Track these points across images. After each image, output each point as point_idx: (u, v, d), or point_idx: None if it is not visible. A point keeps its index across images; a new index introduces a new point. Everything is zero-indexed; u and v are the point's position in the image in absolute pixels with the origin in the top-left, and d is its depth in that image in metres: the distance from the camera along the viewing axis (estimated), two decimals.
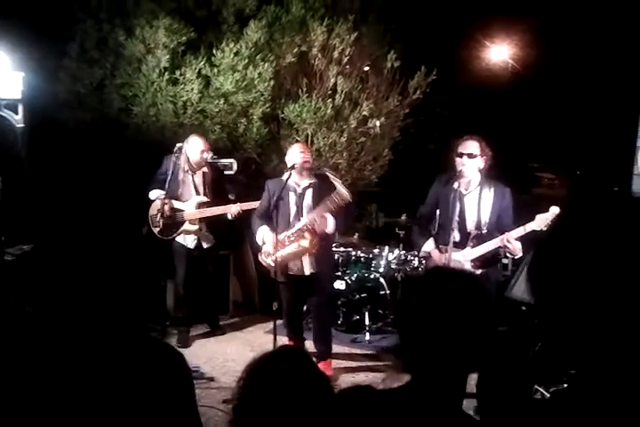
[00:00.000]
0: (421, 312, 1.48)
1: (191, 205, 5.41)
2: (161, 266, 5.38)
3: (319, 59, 6.80)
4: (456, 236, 4.33)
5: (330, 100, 6.78)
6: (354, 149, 7.10)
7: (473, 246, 4.31)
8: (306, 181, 4.79)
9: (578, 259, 1.13)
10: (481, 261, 4.30)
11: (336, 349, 5.18)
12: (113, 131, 6.57)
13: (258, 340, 5.72)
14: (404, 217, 6.18)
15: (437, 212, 4.53)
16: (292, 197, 4.80)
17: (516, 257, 4.34)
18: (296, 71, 6.90)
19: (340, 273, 6.08)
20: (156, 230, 5.42)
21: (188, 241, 5.53)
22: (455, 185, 4.32)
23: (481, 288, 1.52)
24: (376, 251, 6.31)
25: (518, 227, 4.18)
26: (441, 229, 4.49)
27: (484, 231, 4.29)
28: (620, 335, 1.06)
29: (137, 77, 6.50)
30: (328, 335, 5.04)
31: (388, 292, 6.08)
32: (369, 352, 5.53)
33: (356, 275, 6.10)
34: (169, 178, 5.21)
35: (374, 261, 6.27)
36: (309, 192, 4.79)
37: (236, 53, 6.45)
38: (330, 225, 4.66)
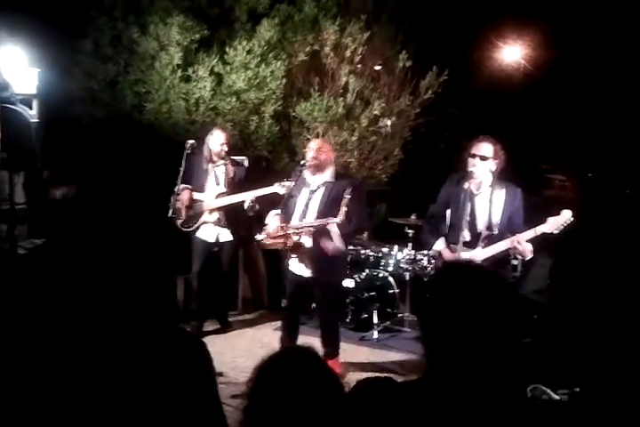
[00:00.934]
0: (447, 308, 1.50)
1: (210, 195, 5.56)
2: (172, 261, 5.42)
3: (331, 57, 6.82)
4: (466, 235, 4.34)
5: (341, 98, 6.80)
6: (364, 148, 7.12)
7: (483, 247, 4.32)
8: (320, 179, 4.77)
9: (598, 262, 1.16)
10: (491, 262, 4.30)
11: (344, 346, 5.19)
12: (126, 127, 6.61)
13: (267, 336, 5.75)
14: (413, 216, 6.19)
15: (448, 211, 4.54)
16: (304, 194, 4.82)
17: (525, 259, 4.35)
18: (308, 70, 6.92)
19: (348, 271, 6.10)
20: (179, 222, 5.56)
21: (208, 235, 5.61)
22: (466, 185, 4.32)
23: (505, 284, 1.54)
24: (385, 250, 6.33)
25: (529, 229, 4.18)
26: (451, 228, 4.49)
27: (495, 232, 4.30)
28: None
29: (150, 74, 6.53)
30: (334, 337, 5.02)
31: (396, 291, 6.10)
32: (377, 350, 5.54)
33: (365, 273, 6.13)
34: (183, 174, 5.34)
35: (383, 260, 6.28)
36: (320, 191, 4.77)
37: (249, 51, 6.48)
38: (332, 249, 4.67)
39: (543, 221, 4.15)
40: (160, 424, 1.59)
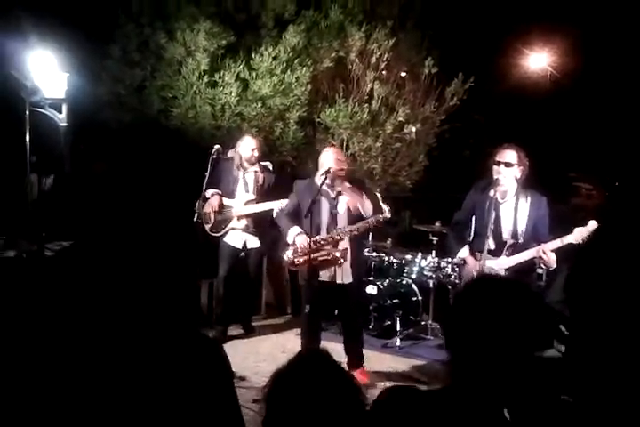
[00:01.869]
0: (475, 320, 1.49)
1: (240, 201, 5.59)
2: (197, 265, 5.46)
3: (356, 64, 6.83)
4: (491, 244, 4.31)
5: (366, 105, 6.80)
6: (389, 155, 7.11)
7: (508, 255, 4.29)
8: (338, 186, 4.73)
9: (616, 272, 1.14)
10: (515, 271, 4.27)
11: (367, 354, 5.16)
12: (152, 132, 6.68)
13: (290, 342, 5.74)
14: (437, 224, 6.16)
15: (473, 219, 4.52)
16: (325, 203, 4.76)
17: (549, 269, 4.31)
18: (333, 76, 6.93)
19: (372, 278, 6.09)
20: (207, 227, 5.62)
21: (236, 240, 5.64)
22: (491, 193, 4.30)
23: (534, 296, 1.53)
24: (409, 257, 6.30)
25: (555, 239, 4.14)
26: (476, 236, 4.47)
27: (520, 241, 4.26)
28: None
29: (177, 80, 6.59)
30: (359, 344, 5.00)
31: (420, 298, 6.07)
32: (400, 358, 5.51)
33: (388, 280, 6.11)
34: (209, 179, 5.34)
35: (407, 267, 6.25)
36: (344, 198, 4.74)
37: (275, 57, 6.51)
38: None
39: (569, 231, 4.11)
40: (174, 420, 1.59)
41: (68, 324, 1.69)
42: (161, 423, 1.58)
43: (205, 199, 5.50)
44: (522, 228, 4.28)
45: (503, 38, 8.51)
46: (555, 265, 4.17)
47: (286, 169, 6.90)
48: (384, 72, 6.95)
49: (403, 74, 7.20)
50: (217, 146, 5.46)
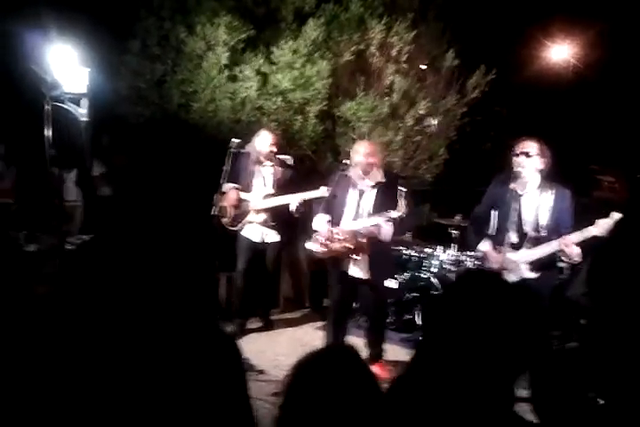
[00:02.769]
0: (458, 317, 1.45)
1: (258, 195, 5.58)
2: (215, 259, 5.48)
3: (377, 57, 6.78)
4: (512, 237, 4.27)
5: (387, 98, 6.76)
6: (409, 148, 7.06)
7: (530, 248, 4.24)
8: (370, 180, 4.74)
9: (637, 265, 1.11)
10: (537, 264, 4.22)
11: (386, 347, 5.14)
12: (172, 126, 6.69)
13: (308, 336, 5.76)
14: (458, 217, 6.12)
15: (494, 212, 4.47)
16: (352, 195, 4.78)
17: (572, 262, 4.24)
18: (353, 69, 6.89)
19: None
20: (225, 221, 5.61)
21: (253, 234, 5.65)
22: (512, 185, 4.26)
23: (518, 295, 1.48)
24: (429, 251, 6.27)
25: (578, 231, 4.08)
26: (497, 229, 4.42)
27: (543, 234, 4.21)
28: None
29: (197, 74, 6.59)
30: (380, 338, 5.01)
31: (440, 292, 6.04)
32: None
33: (407, 274, 6.09)
34: (228, 173, 5.35)
35: (427, 261, 6.22)
36: (372, 193, 4.73)
37: (295, 51, 6.48)
38: (384, 233, 4.62)
39: (592, 224, 4.05)
40: (186, 420, 1.59)
41: (85, 317, 1.69)
42: (170, 416, 1.58)
43: (223, 193, 5.50)
44: (544, 221, 4.22)
45: (525, 30, 8.43)
46: (578, 259, 4.10)
47: (305, 163, 6.89)
48: (405, 65, 6.89)
49: (423, 66, 7.14)
50: (236, 140, 5.46)
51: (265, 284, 5.98)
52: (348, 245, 4.69)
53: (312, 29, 6.53)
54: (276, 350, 5.36)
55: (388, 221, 4.52)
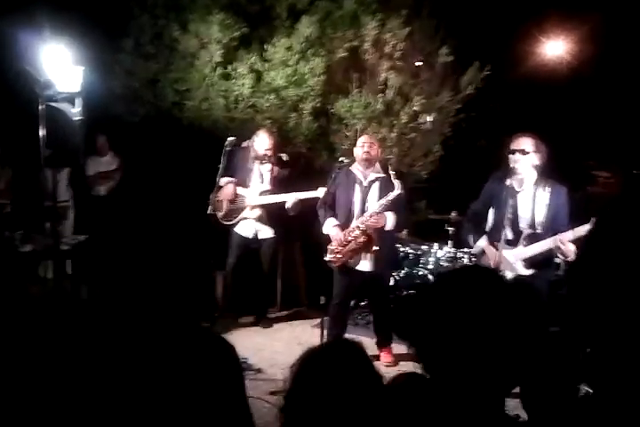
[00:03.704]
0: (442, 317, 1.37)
1: (254, 192, 5.58)
2: (211, 257, 5.48)
3: (371, 54, 6.76)
4: (508, 234, 4.27)
5: (381, 95, 6.74)
6: (404, 145, 7.05)
7: (526, 245, 4.24)
8: (372, 175, 4.88)
9: (622, 259, 1.10)
10: (533, 261, 4.23)
11: None
12: (166, 124, 6.68)
13: (305, 334, 5.75)
14: (453, 214, 6.13)
15: (490, 209, 4.48)
16: (358, 190, 4.91)
17: (567, 259, 4.25)
18: (347, 66, 6.87)
19: None
20: (219, 214, 5.60)
21: (246, 230, 5.65)
22: (508, 182, 4.26)
23: (508, 287, 1.44)
24: (425, 247, 6.27)
25: (573, 228, 4.09)
26: (494, 226, 4.43)
27: (539, 231, 4.22)
28: None
29: (190, 72, 6.58)
30: (386, 326, 5.20)
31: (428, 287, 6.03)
32: None
33: (404, 271, 6.09)
34: (223, 171, 5.34)
35: (423, 258, 6.22)
36: (375, 186, 4.88)
37: (288, 48, 6.47)
38: (389, 222, 4.80)
39: (587, 221, 4.04)
40: (183, 422, 1.59)
41: (77, 317, 1.69)
42: (167, 417, 1.58)
43: (219, 187, 5.50)
44: (540, 218, 4.23)
45: (519, 26, 8.41)
46: (573, 256, 4.12)
47: (300, 160, 6.88)
48: (399, 62, 6.87)
49: (418, 63, 7.13)
50: (231, 138, 5.46)
51: (262, 282, 5.97)
52: (362, 239, 4.81)
53: (305, 26, 6.51)
54: (273, 349, 5.35)
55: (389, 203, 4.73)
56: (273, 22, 6.76)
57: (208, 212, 5.38)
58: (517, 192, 4.30)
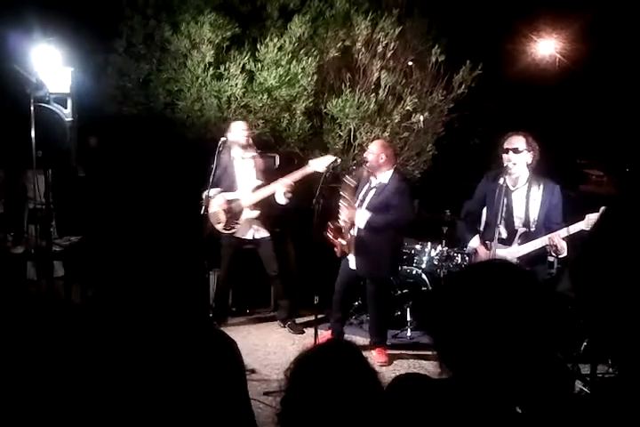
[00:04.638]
0: (463, 312, 1.37)
1: (246, 191, 5.54)
2: (204, 258, 5.45)
3: (363, 53, 6.77)
4: (502, 232, 4.27)
5: (373, 94, 6.75)
6: (397, 144, 7.04)
7: (520, 244, 4.25)
8: (378, 180, 5.10)
9: (622, 258, 1.09)
10: (527, 259, 4.23)
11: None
12: (158, 125, 6.66)
13: (299, 334, 5.73)
14: (447, 213, 6.13)
15: (484, 208, 4.49)
16: (363, 191, 5.17)
17: (560, 256, 4.26)
18: (339, 66, 6.88)
19: None
20: (219, 226, 5.56)
21: (244, 231, 5.63)
22: (501, 181, 4.26)
23: (535, 284, 1.42)
24: (418, 247, 6.27)
25: (566, 226, 4.10)
26: (487, 225, 4.44)
27: (532, 229, 4.22)
28: None
29: (182, 72, 6.56)
30: (382, 325, 5.33)
31: (430, 288, 6.03)
32: (410, 349, 5.50)
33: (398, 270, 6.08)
34: (215, 172, 5.29)
35: (416, 257, 6.22)
36: (372, 192, 5.10)
37: (280, 48, 6.47)
38: (359, 219, 5.02)
39: (581, 218, 4.05)
40: (188, 421, 1.58)
41: (78, 319, 1.68)
42: (172, 417, 1.57)
43: (208, 197, 5.40)
44: (534, 216, 4.24)
45: (511, 25, 8.44)
46: (565, 253, 4.13)
47: (294, 160, 6.87)
48: (391, 61, 6.88)
49: (410, 63, 7.13)
50: (224, 138, 5.43)
51: (286, 283, 5.97)
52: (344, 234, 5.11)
53: (297, 26, 6.51)
54: (267, 349, 5.34)
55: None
56: (265, 22, 6.76)
57: (201, 212, 5.34)
58: (511, 191, 4.30)
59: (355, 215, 5.03)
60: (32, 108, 4.67)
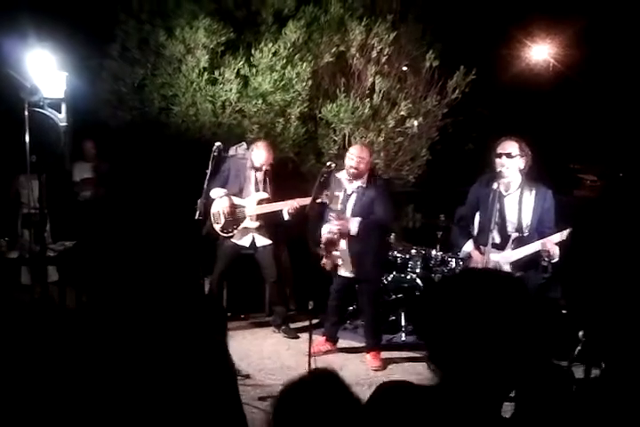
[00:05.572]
0: (454, 317, 1.37)
1: (252, 201, 5.54)
2: (199, 263, 5.44)
3: (357, 58, 6.79)
4: (495, 237, 4.28)
5: (368, 99, 6.76)
6: (391, 149, 7.07)
7: (513, 249, 4.26)
8: (355, 184, 5.03)
9: (608, 258, 1.10)
10: (520, 264, 4.25)
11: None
12: (153, 130, 6.66)
13: (293, 339, 5.72)
14: (441, 218, 6.14)
15: (477, 213, 4.49)
16: (341, 197, 5.08)
17: (552, 261, 4.28)
18: (334, 71, 6.89)
19: None
20: (217, 227, 5.57)
21: (243, 239, 5.63)
22: (494, 186, 4.27)
23: (521, 290, 1.43)
24: (413, 252, 6.27)
25: (559, 231, 4.12)
26: (480, 230, 4.44)
27: (526, 234, 4.24)
28: None
29: (177, 77, 6.57)
30: (376, 329, 5.33)
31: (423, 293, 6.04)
32: (404, 353, 5.50)
33: (392, 275, 6.08)
34: (210, 175, 5.30)
35: (411, 262, 6.22)
36: (354, 197, 5.05)
37: (275, 53, 6.48)
38: (353, 227, 4.99)
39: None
40: (182, 422, 1.58)
41: (72, 324, 1.68)
42: (166, 419, 1.57)
43: (207, 197, 5.41)
44: (527, 221, 4.25)
45: (505, 30, 8.47)
46: (557, 258, 4.16)
47: (288, 165, 6.87)
48: (385, 66, 6.90)
49: (404, 68, 7.14)
50: (218, 143, 5.43)
51: (281, 289, 6.00)
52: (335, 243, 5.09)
53: (292, 31, 6.53)
54: (261, 354, 5.32)
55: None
56: (259, 27, 6.77)
57: (196, 217, 5.34)
58: (504, 196, 4.31)
59: (347, 225, 4.99)
60: (26, 112, 4.67)
